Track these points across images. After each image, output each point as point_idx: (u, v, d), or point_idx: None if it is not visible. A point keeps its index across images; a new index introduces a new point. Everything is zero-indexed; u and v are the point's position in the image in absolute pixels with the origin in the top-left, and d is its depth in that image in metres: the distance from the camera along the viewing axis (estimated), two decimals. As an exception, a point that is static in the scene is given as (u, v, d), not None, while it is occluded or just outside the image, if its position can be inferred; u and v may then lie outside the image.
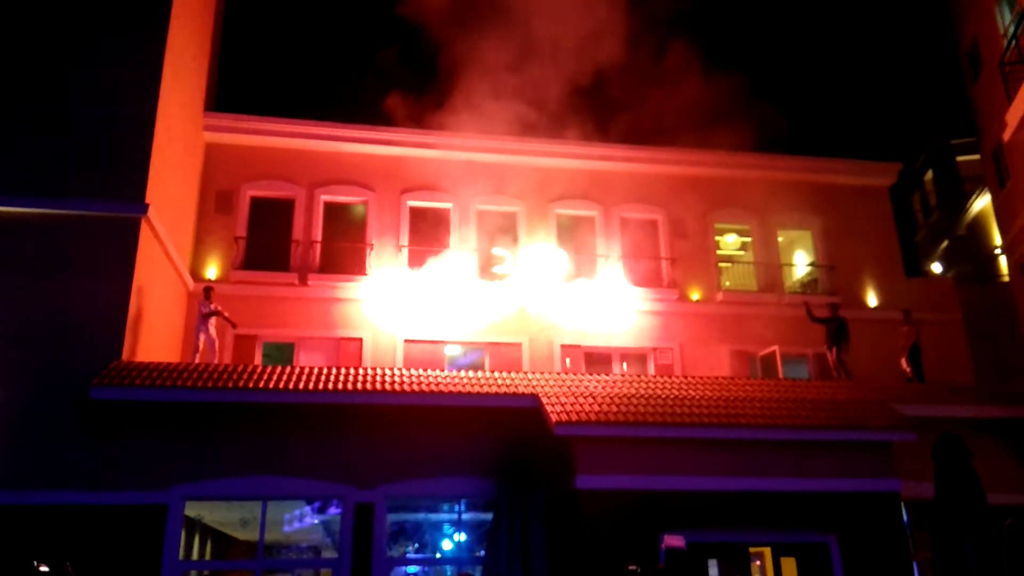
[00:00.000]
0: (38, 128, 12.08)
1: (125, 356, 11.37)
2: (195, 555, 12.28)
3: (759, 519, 10.47)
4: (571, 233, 17.32)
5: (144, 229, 12.12)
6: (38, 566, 7.64)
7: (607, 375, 13.56)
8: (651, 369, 16.39)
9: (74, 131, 12.18)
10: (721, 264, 17.94)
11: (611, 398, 11.43)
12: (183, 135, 14.67)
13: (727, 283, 17.84)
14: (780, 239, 18.48)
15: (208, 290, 13.73)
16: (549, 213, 17.29)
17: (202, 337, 13.25)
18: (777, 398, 12.06)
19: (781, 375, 15.40)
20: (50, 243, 11.50)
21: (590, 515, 10.10)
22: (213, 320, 13.39)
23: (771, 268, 17.86)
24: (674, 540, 8.02)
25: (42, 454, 10.39)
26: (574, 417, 10.49)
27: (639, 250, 17.43)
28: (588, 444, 10.43)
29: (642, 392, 11.92)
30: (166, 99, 13.12)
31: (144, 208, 12.05)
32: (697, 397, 11.83)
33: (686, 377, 13.66)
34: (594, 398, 11.33)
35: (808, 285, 18.44)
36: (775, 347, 15.85)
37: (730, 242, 18.71)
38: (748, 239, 18.44)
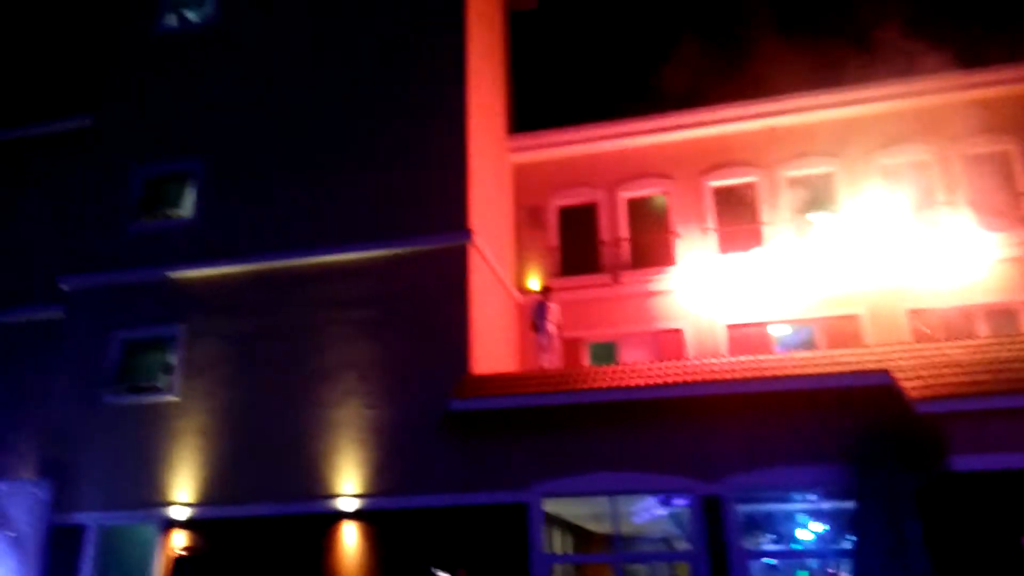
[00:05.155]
0: (376, 183, 13.80)
1: (472, 369, 12.51)
2: (557, 549, 13.09)
3: None
4: (903, 184, 15.41)
5: (471, 254, 13.25)
6: (435, 572, 8.53)
7: (970, 339, 11.86)
8: (1025, 326, 13.99)
9: (403, 181, 13.70)
10: (1103, 187, 14.74)
11: (981, 365, 9.98)
12: (493, 162, 15.84)
13: (1116, 209, 14.61)
14: None
15: (546, 289, 14.67)
16: (872, 165, 15.60)
17: (544, 336, 14.13)
18: None
19: None
20: (399, 278, 13.04)
21: (974, 498, 8.89)
22: (551, 317, 14.22)
23: None
24: None
25: (418, 463, 11.83)
26: (939, 391, 9.32)
27: (990, 188, 14.97)
28: (961, 420, 9.19)
29: (1020, 354, 10.22)
30: (474, 136, 14.23)
31: (468, 235, 13.19)
32: (1097, 353, 9.84)
33: (1078, 330, 11.43)
34: (959, 367, 9.97)
35: None
36: None
37: (1113, 160, 15.27)
38: None
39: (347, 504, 11.73)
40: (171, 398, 13.14)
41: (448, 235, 13.23)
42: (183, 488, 12.52)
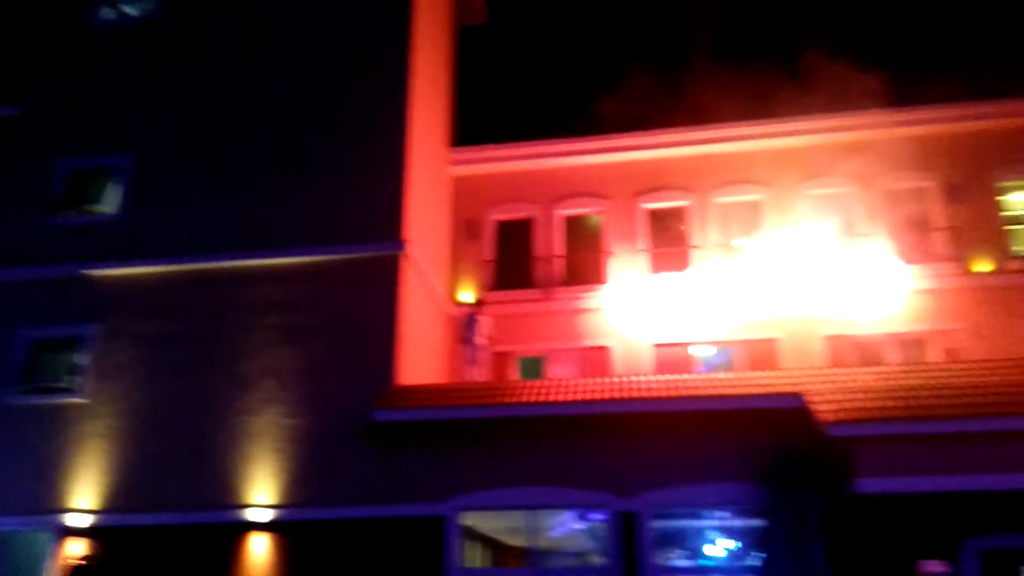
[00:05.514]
0: (310, 187, 13.65)
1: (399, 380, 12.38)
2: (472, 563, 12.98)
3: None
4: (826, 214, 15.94)
5: (404, 264, 13.17)
6: None
7: (882, 366, 12.30)
8: (934, 355, 14.56)
9: (338, 186, 13.59)
10: (1011, 227, 15.51)
11: (890, 391, 10.34)
12: (432, 173, 15.81)
13: (1021, 248, 15.37)
14: (1085, 189, 15.57)
15: (478, 302, 14.62)
16: (799, 196, 16.11)
17: (472, 349, 14.09)
18: (1105, 377, 10.12)
19: (1109, 350, 12.91)
20: (328, 285, 12.88)
21: (876, 521, 9.18)
22: (481, 330, 14.20)
23: (1079, 223, 15.08)
24: (933, 567, 7.19)
25: (337, 474, 11.63)
26: (849, 416, 9.61)
27: (908, 223, 15.61)
28: (868, 444, 9.48)
29: (927, 382, 10.64)
30: (414, 144, 14.17)
31: (402, 245, 13.11)
32: (997, 383, 10.31)
33: (980, 361, 11.98)
34: (870, 393, 10.31)
35: None
36: (1095, 317, 13.34)
37: (1020, 201, 16.11)
38: (1043, 194, 15.78)
39: (260, 515, 11.44)
40: (79, 400, 12.64)
41: (382, 244, 13.14)
42: (85, 494, 12.02)
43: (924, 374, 11.20)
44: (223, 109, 14.52)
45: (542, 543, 12.07)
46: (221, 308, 12.95)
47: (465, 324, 14.46)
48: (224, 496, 11.69)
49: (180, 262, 13.36)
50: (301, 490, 11.61)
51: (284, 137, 14.14)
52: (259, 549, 11.28)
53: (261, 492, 11.65)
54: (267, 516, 11.42)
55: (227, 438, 12.07)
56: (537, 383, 12.05)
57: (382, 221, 13.32)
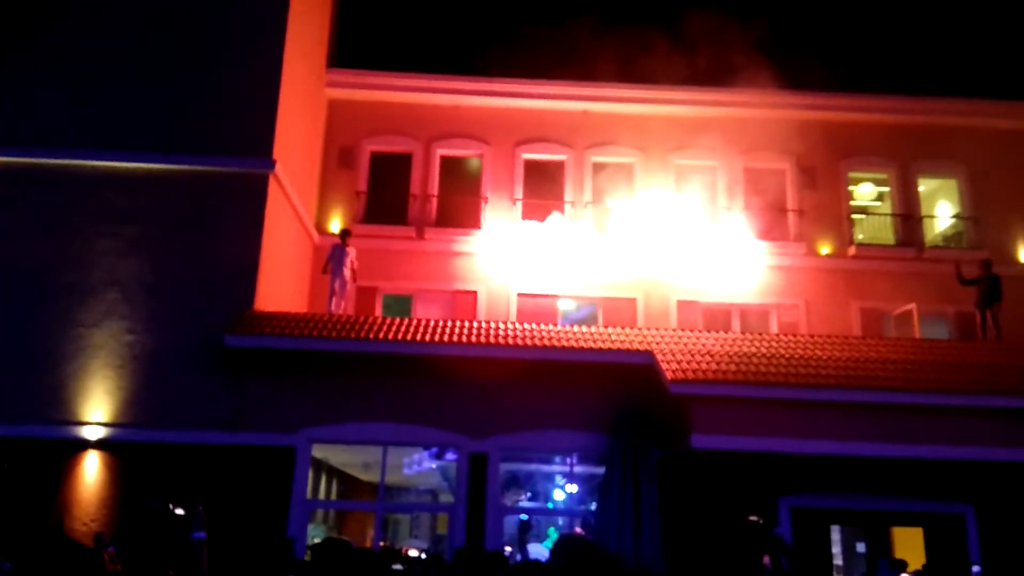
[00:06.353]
0: (173, 90, 12.68)
1: (257, 306, 11.94)
2: (321, 495, 12.96)
3: (889, 486, 9.95)
4: (691, 184, 16.66)
5: (272, 184, 12.58)
6: (173, 509, 8.17)
7: (726, 332, 13.13)
8: (774, 327, 15.73)
9: (205, 92, 12.71)
10: (854, 216, 16.86)
11: (730, 357, 11.05)
12: (307, 92, 15.07)
13: (860, 236, 16.76)
14: (921, 188, 17.12)
15: (345, 232, 14.18)
16: (668, 164, 16.70)
17: (337, 281, 13.73)
18: (913, 360, 11.31)
19: (918, 335, 14.41)
20: (186, 198, 12.14)
21: (705, 474, 9.90)
22: (347, 262, 13.83)
23: (910, 220, 16.61)
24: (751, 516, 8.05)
25: (180, 397, 11.15)
26: (690, 375, 10.22)
27: (764, 201, 16.60)
28: (705, 403, 10.14)
29: (764, 351, 11.47)
30: (290, 59, 13.45)
31: (271, 164, 12.50)
32: (824, 357, 11.27)
33: (812, 336, 13.03)
34: (712, 356, 10.99)
35: (951, 238, 17.06)
36: (912, 305, 14.82)
37: (865, 192, 17.52)
38: (885, 189, 17.21)
39: (93, 432, 10.81)
40: None
41: (249, 160, 12.49)
42: None
43: (761, 343, 12.06)
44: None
45: (396, 480, 12.19)
46: (62, 210, 11.92)
47: (330, 255, 14.06)
48: (55, 411, 10.96)
49: (16, 154, 12.12)
50: (140, 410, 11.07)
51: (147, 29, 12.96)
52: (91, 469, 10.70)
53: (96, 409, 11.00)
54: (100, 434, 10.82)
55: (61, 350, 11.26)
56: (397, 321, 11.98)
57: (251, 135, 12.62)
